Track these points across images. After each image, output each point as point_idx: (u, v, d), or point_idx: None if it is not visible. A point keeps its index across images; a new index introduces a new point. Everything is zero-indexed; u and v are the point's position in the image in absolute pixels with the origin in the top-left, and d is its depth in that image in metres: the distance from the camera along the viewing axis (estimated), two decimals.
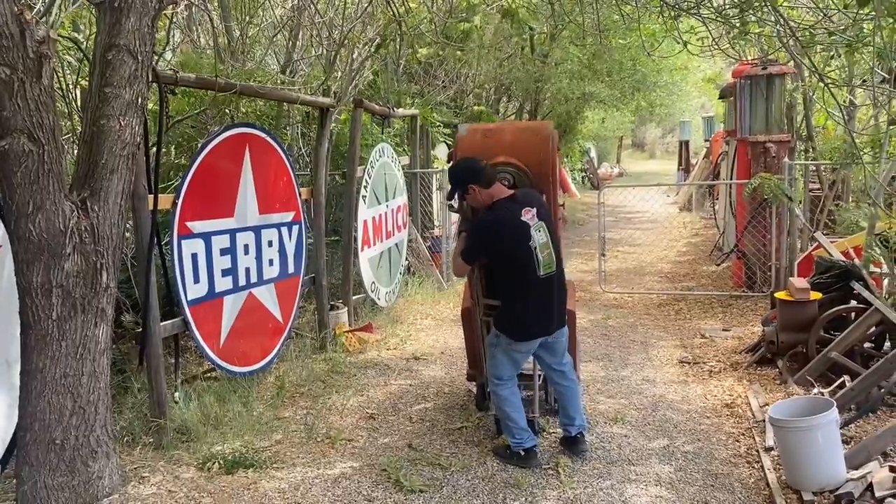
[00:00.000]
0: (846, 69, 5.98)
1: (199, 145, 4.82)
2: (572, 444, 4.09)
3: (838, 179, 7.73)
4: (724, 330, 6.65)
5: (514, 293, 3.83)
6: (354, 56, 8.34)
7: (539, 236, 3.79)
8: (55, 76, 3.73)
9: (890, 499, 3.24)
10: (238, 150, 5.14)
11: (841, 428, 3.81)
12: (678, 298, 8.04)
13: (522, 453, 3.95)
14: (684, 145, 21.65)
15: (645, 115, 23.97)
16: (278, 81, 7.28)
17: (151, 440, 4.15)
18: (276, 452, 4.05)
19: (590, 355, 5.99)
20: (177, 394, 4.58)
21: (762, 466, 3.85)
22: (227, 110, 6.73)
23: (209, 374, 5.36)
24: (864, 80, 5.88)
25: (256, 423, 4.44)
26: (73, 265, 3.17)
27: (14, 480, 3.32)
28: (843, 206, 6.24)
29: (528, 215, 3.79)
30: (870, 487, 3.38)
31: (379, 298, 7.45)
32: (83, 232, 3.19)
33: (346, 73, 7.91)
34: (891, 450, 3.68)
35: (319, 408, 4.80)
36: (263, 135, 5.50)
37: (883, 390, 4.17)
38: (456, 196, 4.02)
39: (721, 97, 10.91)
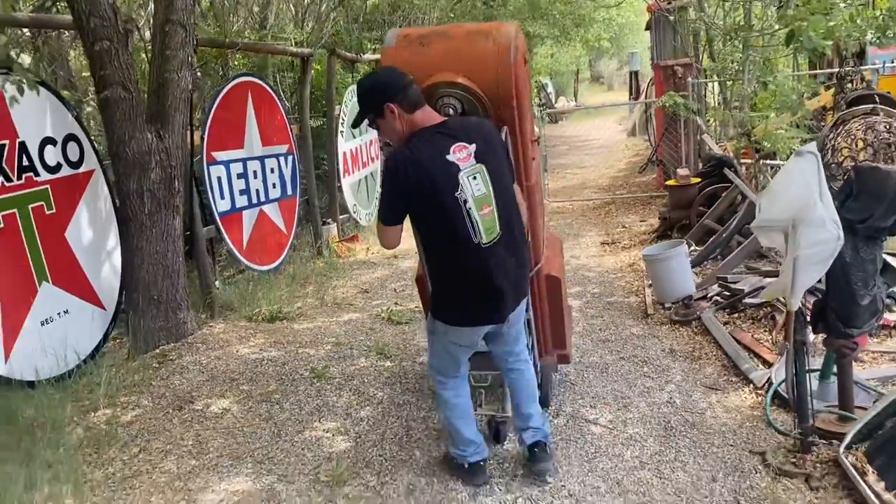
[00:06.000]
0: None
1: (215, 91, 6.18)
2: (532, 459, 3.11)
3: (734, 93, 9.29)
4: (640, 221, 8.28)
5: (443, 266, 2.78)
6: (322, 10, 9.64)
7: (474, 186, 2.67)
8: None
9: (716, 297, 4.89)
10: (243, 94, 6.50)
11: (697, 266, 5.44)
12: (609, 202, 9.67)
13: (466, 466, 3.10)
14: (634, 75, 23.15)
15: (597, 48, 25.28)
16: (259, 38, 8.59)
17: (204, 314, 5.62)
18: (301, 312, 5.59)
19: None
20: (217, 282, 6.06)
21: (644, 295, 5.49)
22: (218, 65, 8.07)
23: (232, 279, 6.83)
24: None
25: (281, 297, 5.96)
26: (157, 175, 4.61)
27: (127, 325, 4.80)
28: (728, 114, 7.80)
29: (461, 153, 2.67)
30: (706, 295, 5.03)
31: (360, 218, 8.93)
32: (161, 152, 4.61)
33: (316, 25, 9.22)
34: (731, 275, 5.33)
35: (325, 288, 6.33)
36: (260, 81, 6.85)
37: (725, 235, 5.79)
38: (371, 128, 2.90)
39: (646, 29, 12.34)
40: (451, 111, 2.93)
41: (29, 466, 3.25)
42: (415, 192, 2.65)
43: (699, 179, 6.73)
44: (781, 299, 4.13)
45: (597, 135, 19.99)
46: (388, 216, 2.74)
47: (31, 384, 4.04)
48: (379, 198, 2.82)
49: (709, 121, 9.48)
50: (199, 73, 7.95)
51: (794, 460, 3.05)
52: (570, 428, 3.54)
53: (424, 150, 2.66)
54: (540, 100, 26.63)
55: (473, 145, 2.70)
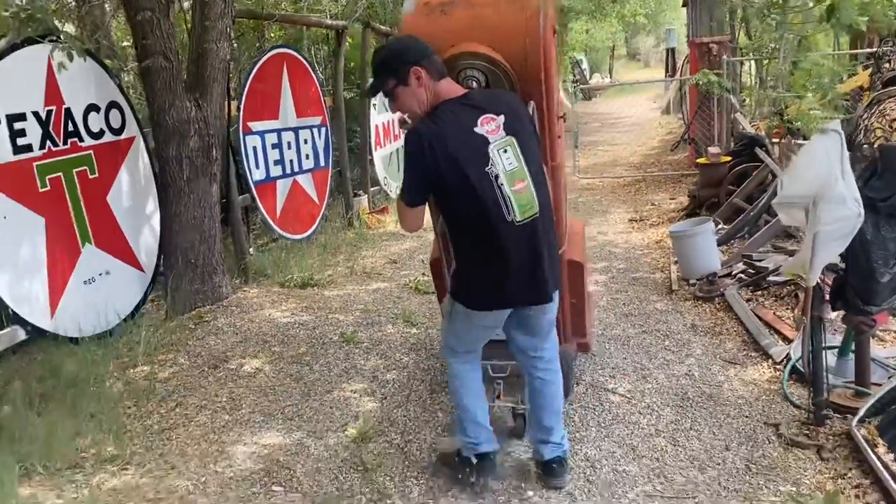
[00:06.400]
0: None
1: (252, 63, 6.31)
2: (547, 472, 2.88)
3: (770, 71, 9.18)
4: (670, 199, 8.27)
5: (474, 247, 2.56)
6: None
7: (505, 160, 2.50)
8: None
9: (740, 274, 4.92)
10: (278, 66, 6.62)
11: (724, 244, 5.47)
12: (639, 180, 9.65)
13: (474, 460, 2.88)
14: (671, 52, 22.81)
15: (632, 24, 24.93)
16: (295, 10, 8.69)
17: (238, 280, 5.80)
18: (331, 280, 5.74)
19: None
20: (251, 249, 6.23)
21: (670, 271, 5.53)
22: (254, 36, 8.21)
23: (265, 247, 7.01)
24: None
25: (312, 265, 6.11)
26: (195, 143, 4.76)
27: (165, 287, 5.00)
28: (763, 94, 7.73)
29: (489, 125, 2.51)
30: (731, 272, 5.06)
31: (391, 190, 9.04)
32: (199, 121, 4.76)
33: None
34: (756, 253, 5.34)
35: (355, 258, 6.47)
36: (296, 53, 6.97)
37: (753, 214, 5.79)
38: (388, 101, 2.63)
39: (683, 5, 12.19)
40: (473, 84, 2.74)
41: (74, 417, 3.45)
42: (441, 168, 2.44)
43: (730, 158, 6.71)
44: (802, 276, 4.16)
45: (630, 112, 19.80)
46: (412, 196, 2.55)
47: (74, 340, 4.26)
48: (402, 176, 2.58)
49: (744, 100, 9.38)
50: (235, 45, 8.10)
51: (807, 432, 3.12)
52: (589, 396, 3.64)
53: (449, 123, 2.47)
54: (574, 76, 26.46)
55: (501, 117, 2.52)
